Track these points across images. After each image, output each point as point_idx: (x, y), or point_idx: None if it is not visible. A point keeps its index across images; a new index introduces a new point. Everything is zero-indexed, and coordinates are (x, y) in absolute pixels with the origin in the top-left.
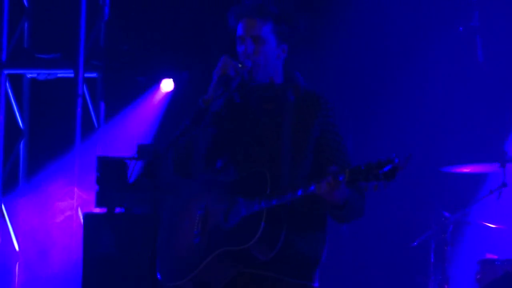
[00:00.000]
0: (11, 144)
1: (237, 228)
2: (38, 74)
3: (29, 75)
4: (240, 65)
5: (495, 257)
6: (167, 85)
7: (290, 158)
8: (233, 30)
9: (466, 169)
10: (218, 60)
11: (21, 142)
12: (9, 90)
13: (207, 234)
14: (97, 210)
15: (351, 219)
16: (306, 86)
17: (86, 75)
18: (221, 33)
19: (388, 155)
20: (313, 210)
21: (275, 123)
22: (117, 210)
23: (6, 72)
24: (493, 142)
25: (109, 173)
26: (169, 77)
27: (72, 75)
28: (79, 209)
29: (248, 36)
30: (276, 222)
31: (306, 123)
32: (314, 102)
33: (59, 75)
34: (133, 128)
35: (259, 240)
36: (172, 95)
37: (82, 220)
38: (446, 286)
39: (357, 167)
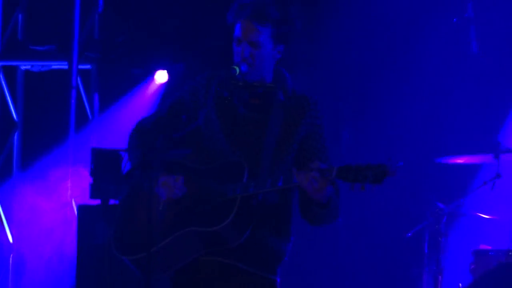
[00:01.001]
0: (5, 135)
1: (208, 211)
2: (32, 65)
3: (23, 67)
4: (235, 67)
5: (489, 247)
6: (161, 76)
7: (272, 153)
8: (231, 26)
9: (460, 160)
10: (214, 54)
11: (15, 134)
12: (3, 82)
13: (173, 212)
14: (91, 201)
15: (328, 221)
16: (295, 87)
17: (80, 66)
18: (216, 24)
19: (380, 160)
20: (283, 207)
21: (262, 118)
22: (111, 201)
23: (0, 64)
24: (487, 133)
25: (103, 165)
26: (163, 68)
27: (66, 66)
28: (73, 201)
29: (245, 40)
30: (248, 210)
31: (293, 122)
32: (303, 103)
33: (53, 66)
34: (128, 119)
35: (230, 224)
36: (166, 86)
37: (76, 212)
38: (440, 276)
39: (347, 166)
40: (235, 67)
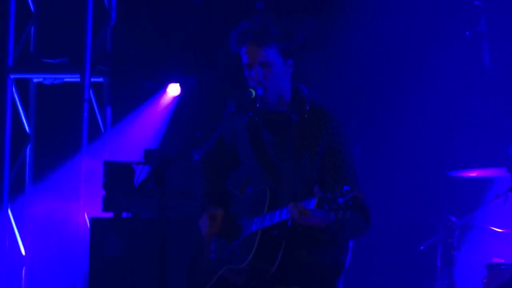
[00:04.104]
0: (18, 148)
1: (238, 247)
2: (44, 78)
3: (35, 80)
4: (251, 90)
5: (502, 261)
6: (173, 89)
7: (292, 176)
8: (235, 53)
9: (473, 174)
10: (225, 64)
11: (28, 147)
12: (16, 95)
13: (219, 250)
14: (103, 214)
15: (345, 239)
16: (314, 100)
17: (92, 79)
18: (228, 37)
19: (348, 187)
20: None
21: (279, 143)
22: (124, 214)
23: (12, 76)
24: (500, 146)
25: (116, 178)
26: (175, 81)
27: (78, 79)
28: (85, 214)
29: (256, 63)
30: (271, 241)
31: (311, 141)
32: (320, 120)
33: (65, 79)
34: (140, 132)
35: (254, 259)
36: (178, 99)
37: (88, 225)
38: None
39: (325, 195)
40: (251, 89)
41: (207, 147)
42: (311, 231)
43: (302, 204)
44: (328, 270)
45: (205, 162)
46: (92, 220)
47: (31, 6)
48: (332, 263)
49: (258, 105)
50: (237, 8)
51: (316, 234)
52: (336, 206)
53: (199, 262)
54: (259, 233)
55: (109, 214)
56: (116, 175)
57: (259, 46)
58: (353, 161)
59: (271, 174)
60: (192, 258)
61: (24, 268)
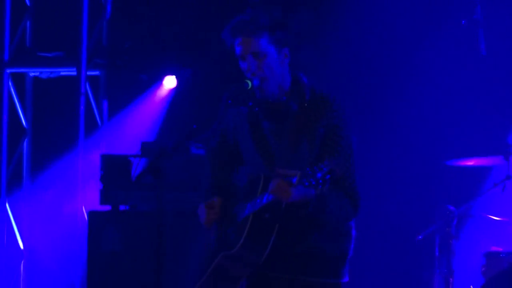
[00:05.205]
0: (15, 142)
1: (233, 233)
2: (40, 72)
3: (31, 74)
4: (247, 81)
5: (500, 249)
6: (170, 82)
7: (289, 164)
8: (231, 48)
9: (470, 162)
10: (220, 56)
11: (25, 141)
12: (12, 89)
13: (219, 239)
14: (101, 207)
15: (329, 223)
16: (314, 87)
17: (88, 73)
18: (223, 29)
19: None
20: (322, 208)
21: (279, 131)
22: (121, 207)
23: (8, 71)
24: (497, 135)
25: (113, 171)
26: (171, 74)
27: (74, 73)
28: (83, 207)
29: (248, 54)
30: (262, 225)
31: (310, 128)
32: (320, 106)
33: (61, 73)
34: (137, 125)
35: (244, 244)
36: (175, 92)
37: (86, 218)
38: (451, 279)
39: (305, 171)
40: (247, 81)
41: (212, 141)
42: (299, 211)
43: (284, 180)
44: (329, 258)
45: (211, 156)
46: (90, 213)
47: (27, 0)
48: (333, 251)
49: (257, 95)
50: (232, 0)
51: (301, 210)
52: (315, 182)
53: (200, 253)
54: (251, 217)
55: (107, 207)
56: (113, 168)
57: (249, 36)
58: (350, 147)
59: (269, 162)
60: (200, 248)
61: (22, 262)
